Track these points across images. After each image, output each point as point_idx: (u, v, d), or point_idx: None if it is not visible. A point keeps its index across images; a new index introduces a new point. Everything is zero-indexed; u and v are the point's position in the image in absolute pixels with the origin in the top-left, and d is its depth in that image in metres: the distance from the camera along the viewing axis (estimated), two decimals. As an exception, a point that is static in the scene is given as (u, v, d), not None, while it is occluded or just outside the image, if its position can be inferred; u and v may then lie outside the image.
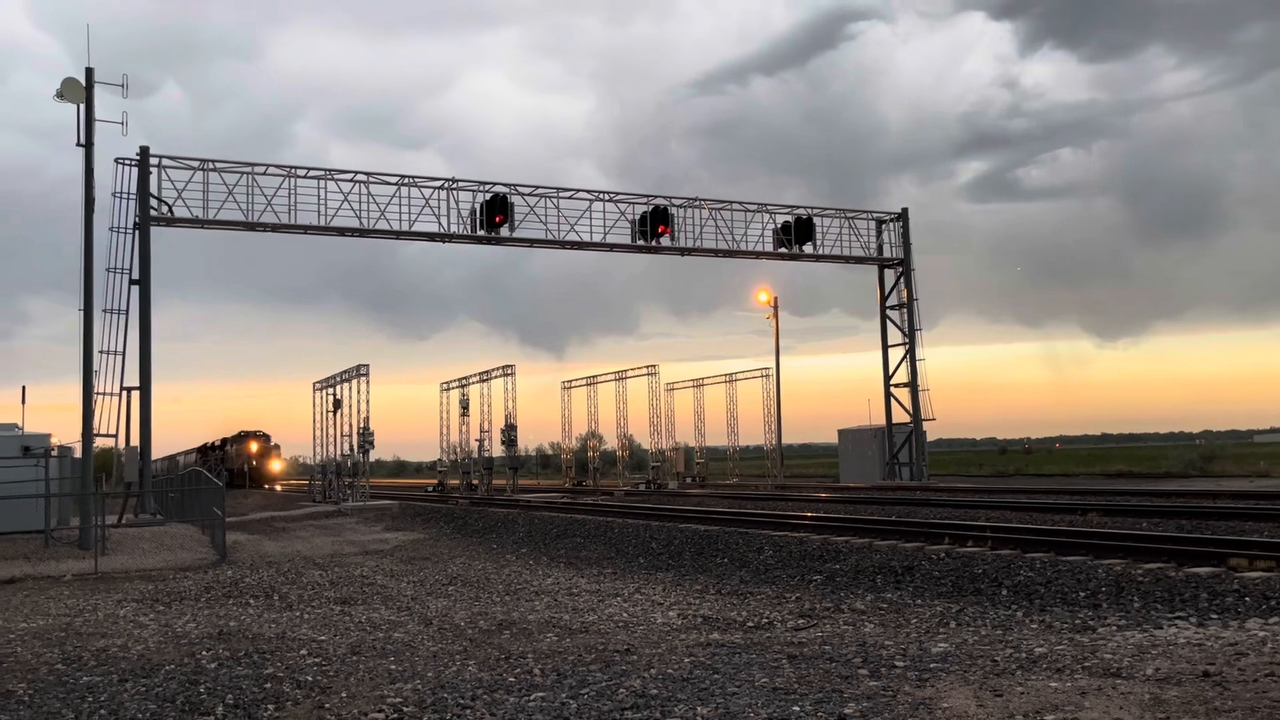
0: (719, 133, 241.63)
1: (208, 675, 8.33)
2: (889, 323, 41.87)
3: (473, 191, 35.25)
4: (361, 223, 33.74)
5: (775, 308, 51.50)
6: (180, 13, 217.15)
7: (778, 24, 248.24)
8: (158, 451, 42.35)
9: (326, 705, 7.20)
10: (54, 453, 24.26)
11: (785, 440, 51.68)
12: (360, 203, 33.58)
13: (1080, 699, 6.29)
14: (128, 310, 30.04)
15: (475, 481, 46.58)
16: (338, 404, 43.04)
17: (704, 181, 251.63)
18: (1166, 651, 7.62)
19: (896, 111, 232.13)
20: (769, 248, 39.30)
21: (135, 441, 29.72)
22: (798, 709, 6.42)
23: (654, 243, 37.55)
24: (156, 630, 10.94)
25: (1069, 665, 7.34)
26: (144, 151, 31.16)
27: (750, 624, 10.45)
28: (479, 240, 36.03)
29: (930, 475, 41.78)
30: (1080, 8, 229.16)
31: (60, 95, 23.80)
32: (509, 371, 44.50)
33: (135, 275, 30.36)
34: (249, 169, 32.43)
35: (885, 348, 42.00)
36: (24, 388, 36.94)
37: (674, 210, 37.53)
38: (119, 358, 29.53)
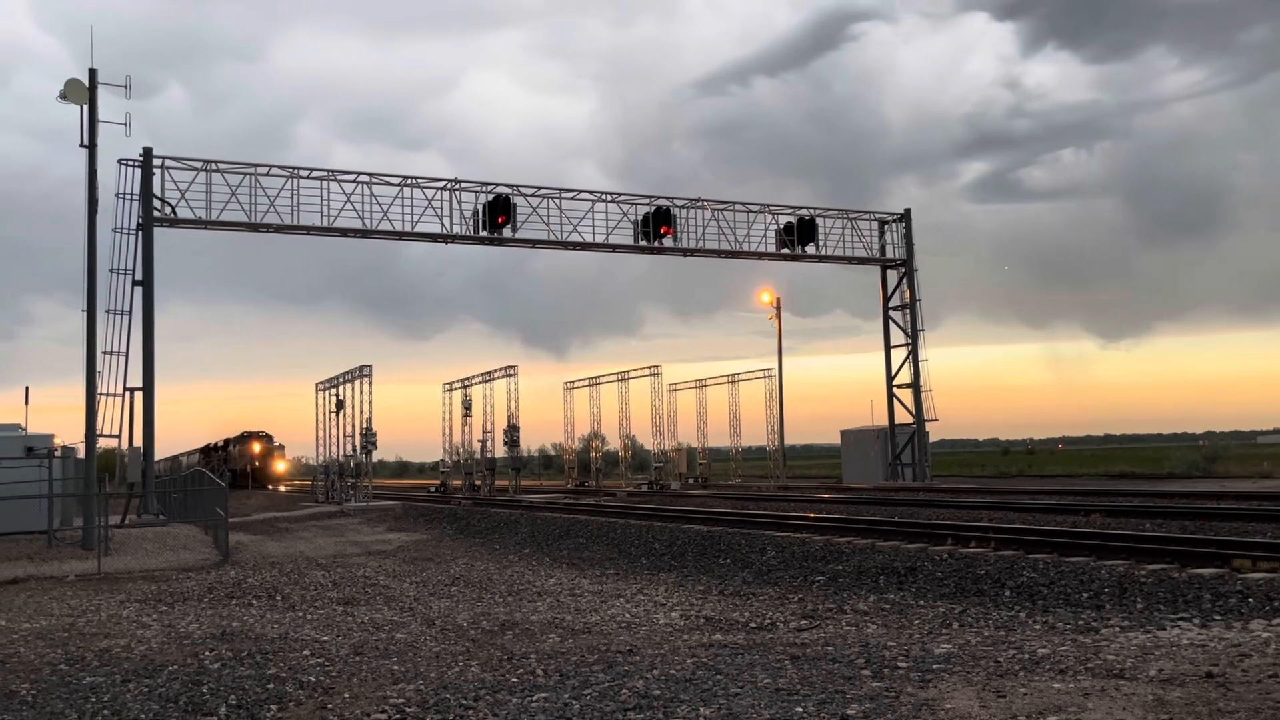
0: (721, 134, 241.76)
1: (211, 676, 8.34)
2: (891, 323, 41.85)
3: (475, 192, 35.28)
4: (364, 224, 33.78)
5: (778, 308, 51.57)
6: (183, 14, 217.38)
7: (780, 25, 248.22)
8: (161, 452, 42.42)
9: (329, 706, 7.21)
10: (57, 453, 24.28)
11: (788, 441, 51.75)
12: (363, 203, 33.63)
13: (1083, 700, 6.28)
14: (131, 311, 30.11)
15: (478, 482, 46.62)
16: (340, 405, 43.06)
17: (706, 182, 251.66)
18: (1170, 653, 7.61)
19: (899, 112, 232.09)
20: (771, 248, 39.31)
21: (138, 442, 29.75)
22: (800, 710, 6.42)
23: (656, 243, 37.57)
24: (159, 631, 10.95)
25: (1072, 666, 7.33)
26: (147, 152, 31.21)
27: (753, 625, 10.45)
28: (481, 241, 36.05)
29: (933, 476, 41.75)
30: (1083, 8, 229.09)
31: (63, 96, 23.80)
32: (511, 372, 44.57)
33: (138, 276, 30.41)
34: (252, 170, 32.48)
35: (888, 348, 41.98)
36: (27, 388, 36.94)
37: (676, 211, 37.53)
38: (122, 358, 29.61)
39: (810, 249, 39.69)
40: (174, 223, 31.80)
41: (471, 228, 35.11)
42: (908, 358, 41.16)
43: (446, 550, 21.17)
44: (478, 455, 47.62)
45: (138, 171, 30.99)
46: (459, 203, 34.97)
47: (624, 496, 39.77)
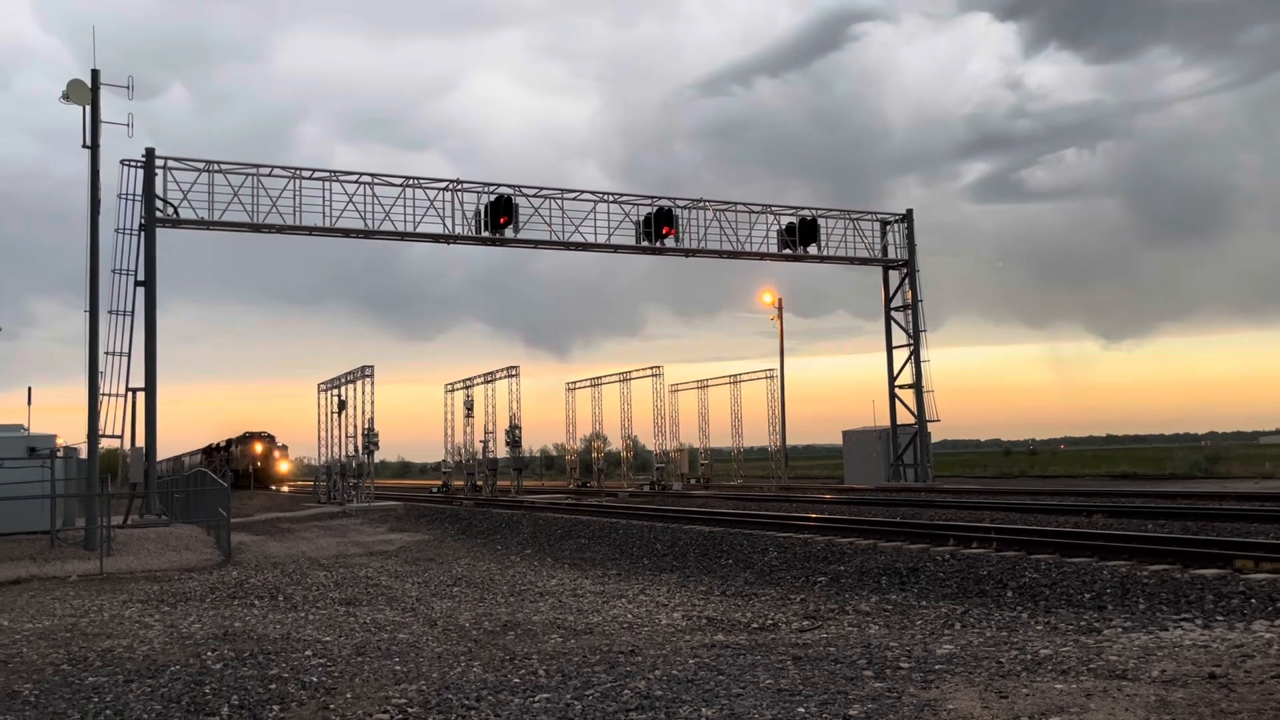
0: (723, 134, 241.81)
1: (213, 676, 8.35)
2: (893, 324, 41.85)
3: (477, 193, 35.31)
4: (366, 224, 33.81)
5: (780, 309, 51.53)
6: (186, 15, 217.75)
7: (782, 25, 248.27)
8: (163, 452, 42.50)
9: (331, 706, 7.21)
10: (59, 453, 24.30)
11: (790, 441, 51.64)
12: (365, 204, 33.68)
13: (1085, 701, 6.28)
14: (133, 311, 30.14)
15: (480, 483, 46.60)
16: (342, 405, 43.07)
17: (708, 183, 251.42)
18: (1172, 653, 7.61)
19: (901, 113, 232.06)
20: (773, 249, 39.32)
21: (140, 442, 29.77)
22: (802, 710, 6.42)
23: (658, 244, 37.59)
24: (162, 631, 10.96)
25: (1074, 667, 7.32)
26: (149, 153, 31.24)
27: (755, 625, 10.45)
28: (483, 241, 36.08)
29: (935, 476, 41.74)
30: (1085, 9, 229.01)
31: (66, 97, 23.81)
32: (513, 373, 44.55)
33: (141, 276, 30.44)
34: (254, 170, 32.51)
35: (890, 349, 41.97)
36: (30, 389, 36.86)
37: (678, 211, 37.55)
38: (124, 359, 29.65)
39: (812, 249, 39.70)
40: (176, 223, 31.83)
41: (473, 228, 35.14)
42: (910, 358, 41.16)
43: (448, 551, 21.17)
44: (479, 456, 47.61)
45: (140, 172, 31.03)
46: (460, 203, 35.03)
47: (626, 497, 39.76)
